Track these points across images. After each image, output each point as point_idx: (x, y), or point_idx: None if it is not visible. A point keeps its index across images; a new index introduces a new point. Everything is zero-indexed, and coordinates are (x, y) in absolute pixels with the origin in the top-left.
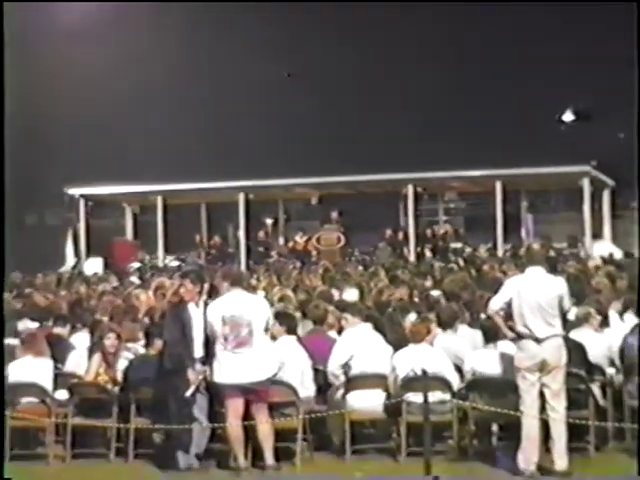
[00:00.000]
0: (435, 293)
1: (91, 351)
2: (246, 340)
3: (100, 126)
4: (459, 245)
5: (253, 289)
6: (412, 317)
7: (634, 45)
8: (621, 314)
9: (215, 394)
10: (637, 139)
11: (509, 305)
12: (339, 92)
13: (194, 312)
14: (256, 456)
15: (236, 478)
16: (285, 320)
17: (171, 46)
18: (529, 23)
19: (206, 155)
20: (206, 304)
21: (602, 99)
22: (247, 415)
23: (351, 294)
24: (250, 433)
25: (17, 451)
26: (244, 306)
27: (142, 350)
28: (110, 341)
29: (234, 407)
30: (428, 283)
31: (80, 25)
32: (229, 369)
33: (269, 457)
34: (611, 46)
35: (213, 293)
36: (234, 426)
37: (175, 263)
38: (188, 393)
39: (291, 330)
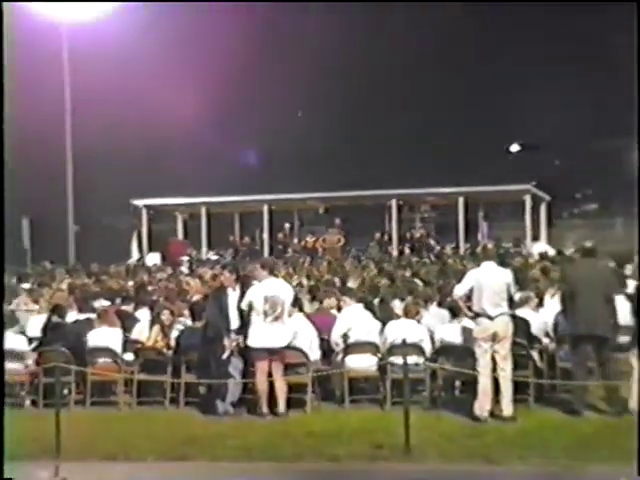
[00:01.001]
0: (413, 280)
1: (151, 323)
2: (280, 315)
3: (159, 150)
4: (431, 244)
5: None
6: (396, 301)
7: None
8: (552, 297)
9: (248, 356)
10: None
11: (469, 291)
12: (345, 129)
13: (230, 294)
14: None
15: (266, 420)
16: (297, 302)
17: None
18: (484, 75)
19: (238, 175)
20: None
21: (542, 134)
22: (270, 374)
23: (351, 283)
24: (271, 387)
25: (95, 399)
26: (279, 289)
27: (189, 323)
28: (165, 316)
29: (262, 367)
30: (407, 273)
31: (131, 51)
32: (263, 337)
33: (282, 406)
34: (542, 91)
35: (245, 281)
36: (261, 381)
37: (214, 257)
38: (225, 355)
39: (301, 309)
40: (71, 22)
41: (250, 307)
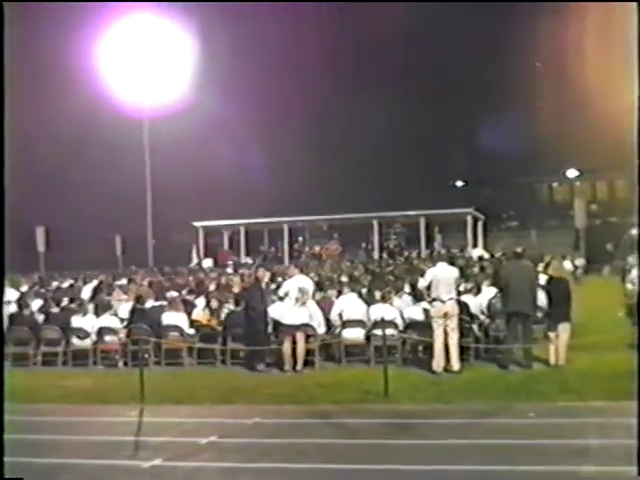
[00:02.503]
0: (389, 276)
1: (205, 308)
2: (306, 301)
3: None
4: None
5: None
6: (377, 291)
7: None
8: (487, 286)
9: (279, 329)
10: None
11: (429, 283)
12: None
13: (262, 285)
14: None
15: (289, 375)
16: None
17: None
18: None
19: (266, 203)
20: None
21: (477, 173)
22: (294, 342)
23: (343, 278)
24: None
25: (167, 361)
26: (306, 282)
27: (233, 307)
28: (214, 303)
29: (289, 337)
30: (385, 271)
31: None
32: (294, 316)
33: (300, 364)
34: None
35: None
36: (287, 348)
37: (250, 261)
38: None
39: (312, 297)
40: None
41: (286, 294)
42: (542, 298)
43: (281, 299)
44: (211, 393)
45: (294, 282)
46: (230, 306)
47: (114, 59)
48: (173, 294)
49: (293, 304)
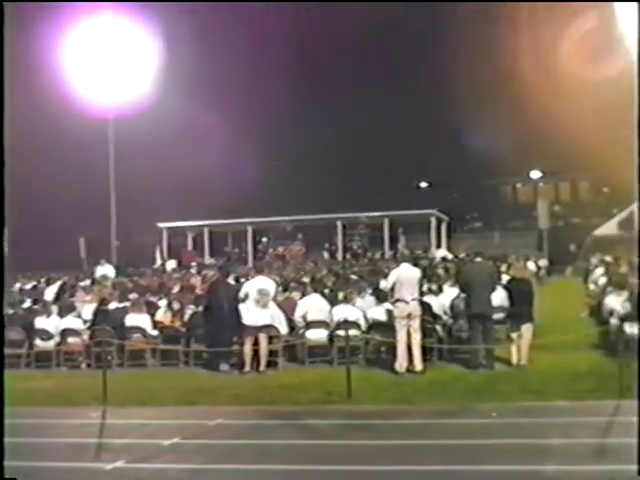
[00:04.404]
0: (353, 277)
1: (168, 309)
2: (266, 303)
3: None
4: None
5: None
6: (340, 293)
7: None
8: (450, 287)
9: (241, 330)
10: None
11: (393, 283)
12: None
13: (225, 287)
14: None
15: (251, 376)
16: (273, 294)
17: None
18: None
19: (230, 205)
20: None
21: (442, 174)
22: (256, 343)
23: (305, 279)
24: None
25: (130, 362)
26: (266, 284)
27: (196, 308)
28: (178, 304)
29: (250, 338)
30: (349, 272)
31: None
32: (255, 317)
33: (263, 365)
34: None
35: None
36: (248, 348)
37: (214, 262)
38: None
39: (274, 299)
40: None
41: (246, 296)
42: (505, 299)
43: (242, 301)
44: (174, 394)
45: (253, 284)
46: (193, 307)
47: (77, 59)
48: (135, 296)
49: (253, 306)
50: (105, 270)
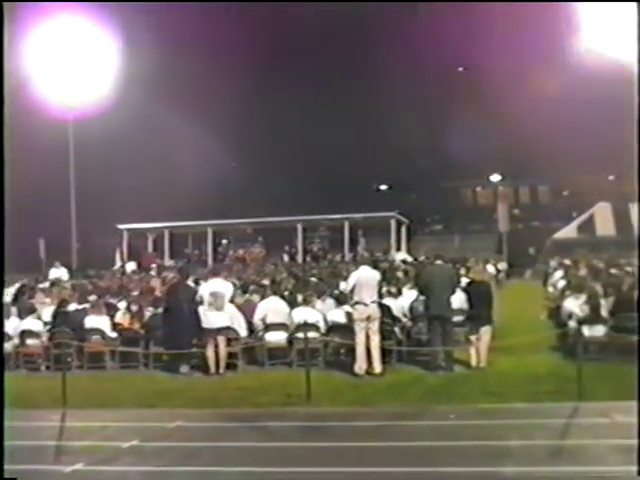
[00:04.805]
0: (313, 279)
1: (128, 311)
2: (221, 305)
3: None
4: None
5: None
6: (300, 296)
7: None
8: (409, 290)
9: (202, 334)
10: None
11: (352, 286)
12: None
13: (184, 289)
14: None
15: (211, 378)
16: (230, 296)
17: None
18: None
19: (189, 206)
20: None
21: (402, 177)
22: (216, 345)
23: (265, 281)
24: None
25: (90, 365)
26: (220, 287)
27: (155, 310)
28: (138, 306)
29: (211, 341)
30: (309, 274)
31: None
32: (212, 320)
33: (222, 368)
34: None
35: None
36: (211, 351)
37: (174, 264)
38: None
39: (231, 301)
40: None
41: (201, 299)
42: (464, 301)
43: (200, 303)
44: (133, 397)
45: (207, 286)
46: (153, 309)
47: (36, 60)
48: (95, 298)
49: (207, 308)
50: (59, 273)
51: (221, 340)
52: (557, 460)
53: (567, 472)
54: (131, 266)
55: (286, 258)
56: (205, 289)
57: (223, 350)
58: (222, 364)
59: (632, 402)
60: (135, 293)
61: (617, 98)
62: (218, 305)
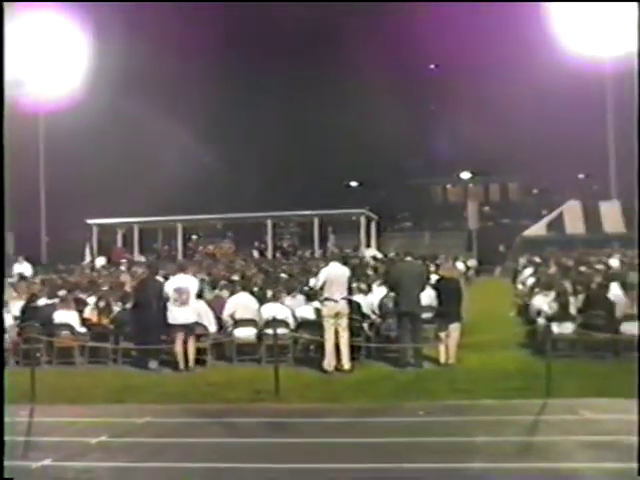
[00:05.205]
0: (283, 275)
1: (97, 306)
2: (186, 301)
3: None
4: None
5: (187, 273)
6: (270, 292)
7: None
8: (379, 286)
9: (169, 330)
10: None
11: (322, 282)
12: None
13: (153, 284)
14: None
15: (180, 374)
16: (199, 291)
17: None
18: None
19: (160, 202)
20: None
21: (374, 173)
22: (185, 341)
23: (235, 277)
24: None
25: (59, 360)
26: (185, 282)
27: (125, 306)
28: (103, 302)
29: (179, 336)
30: (279, 270)
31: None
32: (177, 316)
33: (191, 362)
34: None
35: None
36: (179, 347)
37: (144, 260)
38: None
39: (201, 296)
40: None
41: (167, 295)
42: (433, 298)
43: (169, 299)
44: (102, 392)
45: (172, 282)
46: (122, 304)
47: (9, 55)
48: (64, 292)
49: (171, 304)
50: (22, 268)
51: (188, 336)
52: (525, 456)
53: (536, 468)
54: (101, 261)
55: (256, 254)
56: (170, 285)
57: (191, 346)
58: (191, 360)
59: (600, 399)
60: (105, 288)
61: (588, 98)
62: (183, 301)
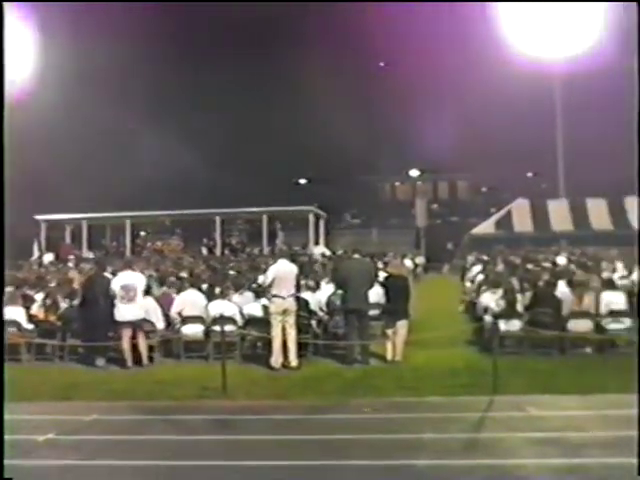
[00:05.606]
0: (231, 272)
1: (44, 303)
2: (132, 298)
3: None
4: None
5: (134, 270)
6: (217, 289)
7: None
8: (327, 283)
9: (116, 327)
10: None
11: (271, 279)
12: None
13: (101, 281)
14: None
15: (127, 371)
16: (147, 288)
17: None
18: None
19: (109, 198)
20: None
21: (322, 171)
22: (133, 337)
23: (183, 274)
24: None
25: (5, 357)
26: (132, 279)
27: (72, 302)
28: (50, 298)
29: (126, 333)
30: (227, 267)
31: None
32: (124, 313)
33: (144, 360)
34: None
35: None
36: (126, 344)
37: (92, 256)
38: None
39: (149, 293)
40: None
41: (114, 292)
42: (381, 295)
43: (115, 296)
44: (49, 389)
45: (119, 279)
46: (69, 301)
47: None
48: (11, 289)
49: (118, 301)
50: None
51: (138, 333)
52: (471, 453)
53: (482, 465)
54: (49, 257)
55: (204, 251)
56: (117, 282)
57: (143, 343)
58: (144, 356)
59: (546, 396)
60: (52, 285)
61: (538, 97)
62: (130, 297)
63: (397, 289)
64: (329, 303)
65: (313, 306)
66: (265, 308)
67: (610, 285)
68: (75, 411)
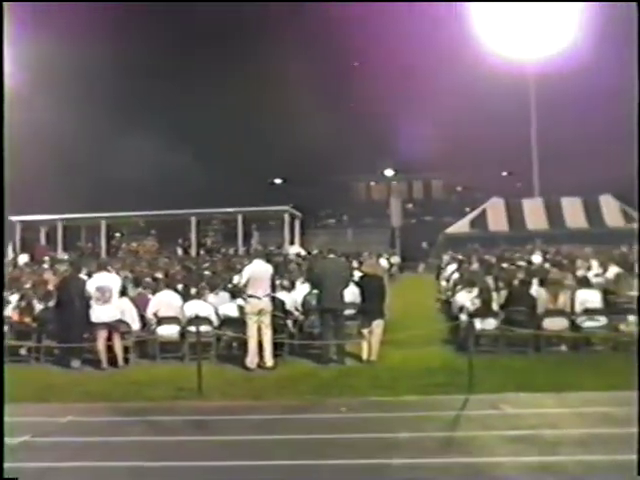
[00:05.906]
0: (206, 272)
1: (18, 304)
2: (108, 299)
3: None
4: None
5: (109, 271)
6: (192, 289)
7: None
8: (302, 283)
9: (91, 328)
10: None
11: (246, 279)
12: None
13: (76, 282)
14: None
15: (103, 372)
16: (122, 289)
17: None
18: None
19: (84, 199)
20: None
21: (297, 170)
22: (109, 339)
23: (158, 274)
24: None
25: None
26: (107, 280)
27: (47, 304)
28: (28, 299)
29: (101, 334)
30: (202, 268)
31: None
32: (99, 314)
33: (120, 361)
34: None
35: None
36: (101, 345)
37: (67, 257)
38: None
39: (124, 294)
40: None
41: (89, 294)
42: (357, 295)
43: (90, 297)
44: (25, 391)
45: (93, 281)
46: (44, 302)
47: None
48: None
49: (94, 302)
50: None
51: (114, 334)
52: (446, 451)
53: (457, 463)
54: (24, 258)
55: (180, 251)
56: (92, 283)
57: (118, 344)
58: (120, 358)
59: (521, 394)
60: (27, 286)
61: (512, 97)
62: (105, 299)
63: (372, 289)
64: (304, 303)
65: (289, 306)
66: (241, 308)
67: (585, 283)
68: (51, 413)
